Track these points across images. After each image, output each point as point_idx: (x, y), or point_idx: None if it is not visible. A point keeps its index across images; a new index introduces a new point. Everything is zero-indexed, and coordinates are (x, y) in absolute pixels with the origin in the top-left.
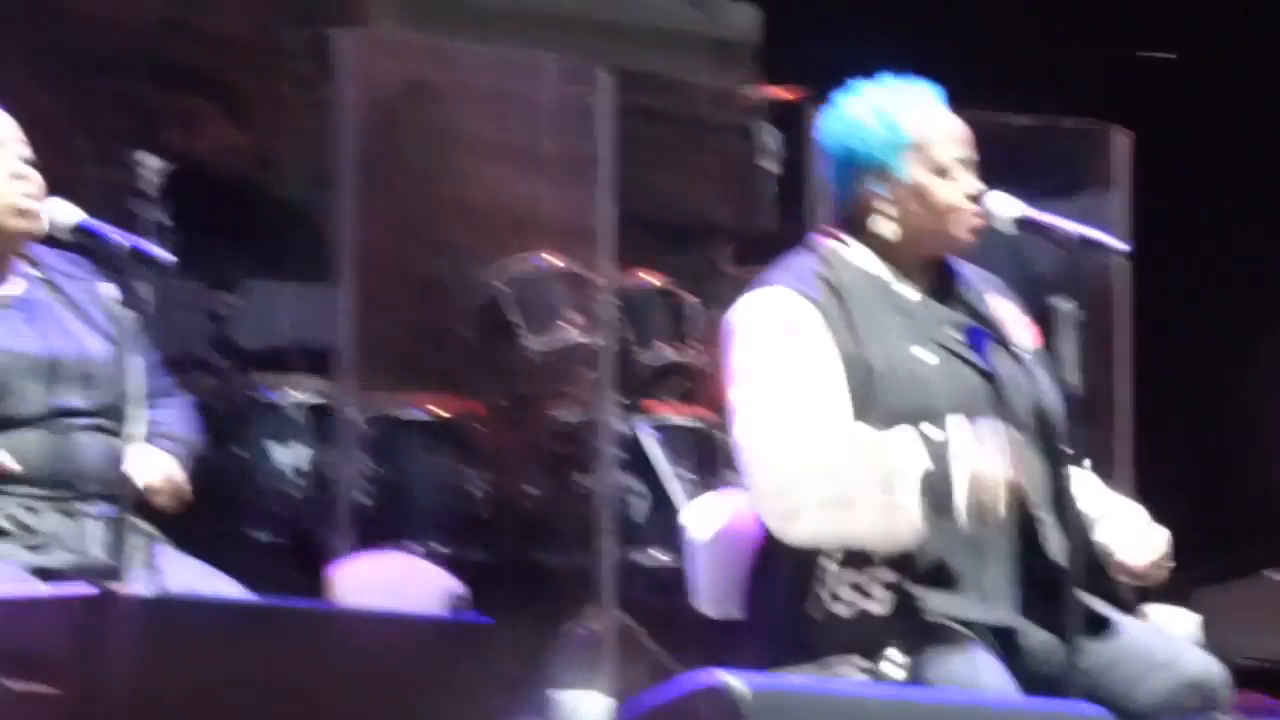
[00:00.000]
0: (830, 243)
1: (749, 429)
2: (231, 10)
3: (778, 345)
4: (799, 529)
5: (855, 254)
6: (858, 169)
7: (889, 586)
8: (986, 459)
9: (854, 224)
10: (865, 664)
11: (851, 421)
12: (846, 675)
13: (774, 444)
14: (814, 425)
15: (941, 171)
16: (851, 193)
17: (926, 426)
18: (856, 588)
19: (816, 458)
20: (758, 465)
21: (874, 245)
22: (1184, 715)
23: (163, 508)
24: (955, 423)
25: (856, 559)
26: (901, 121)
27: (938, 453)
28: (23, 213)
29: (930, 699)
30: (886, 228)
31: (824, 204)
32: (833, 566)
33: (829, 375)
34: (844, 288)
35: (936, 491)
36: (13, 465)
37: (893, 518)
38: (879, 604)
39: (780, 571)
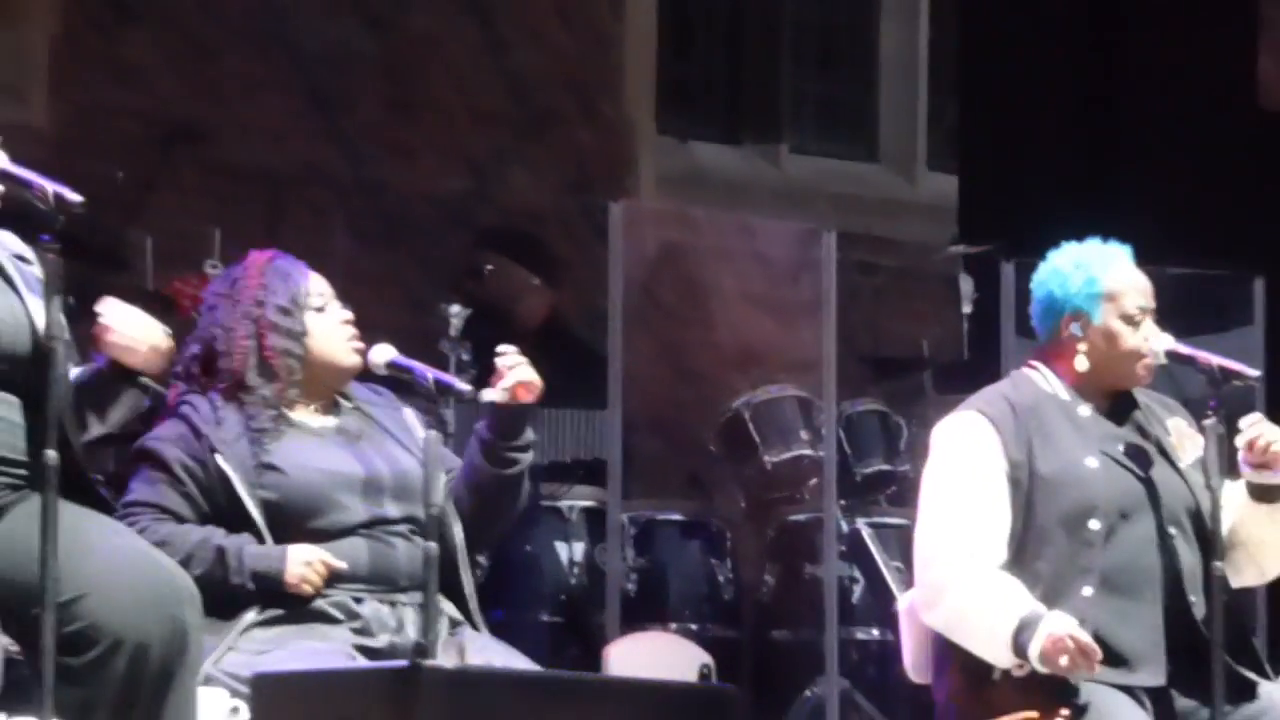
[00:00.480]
0: (1026, 371)
1: (922, 532)
2: (524, 186)
3: (955, 468)
4: (931, 618)
5: (1044, 380)
6: (1059, 312)
7: None
8: (1066, 628)
9: (1050, 356)
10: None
11: (1002, 536)
12: None
13: (934, 551)
14: (968, 544)
15: (1129, 320)
16: (1053, 331)
17: (1091, 521)
18: None
19: (960, 573)
20: (920, 562)
21: (1063, 374)
22: None
23: None
24: (1055, 617)
25: None
26: (1100, 275)
27: (1092, 540)
28: (356, 351)
29: None
30: (1080, 363)
31: (1008, 339)
32: None
33: (991, 494)
34: (1024, 407)
35: (1019, 641)
36: (341, 565)
37: (989, 648)
38: None
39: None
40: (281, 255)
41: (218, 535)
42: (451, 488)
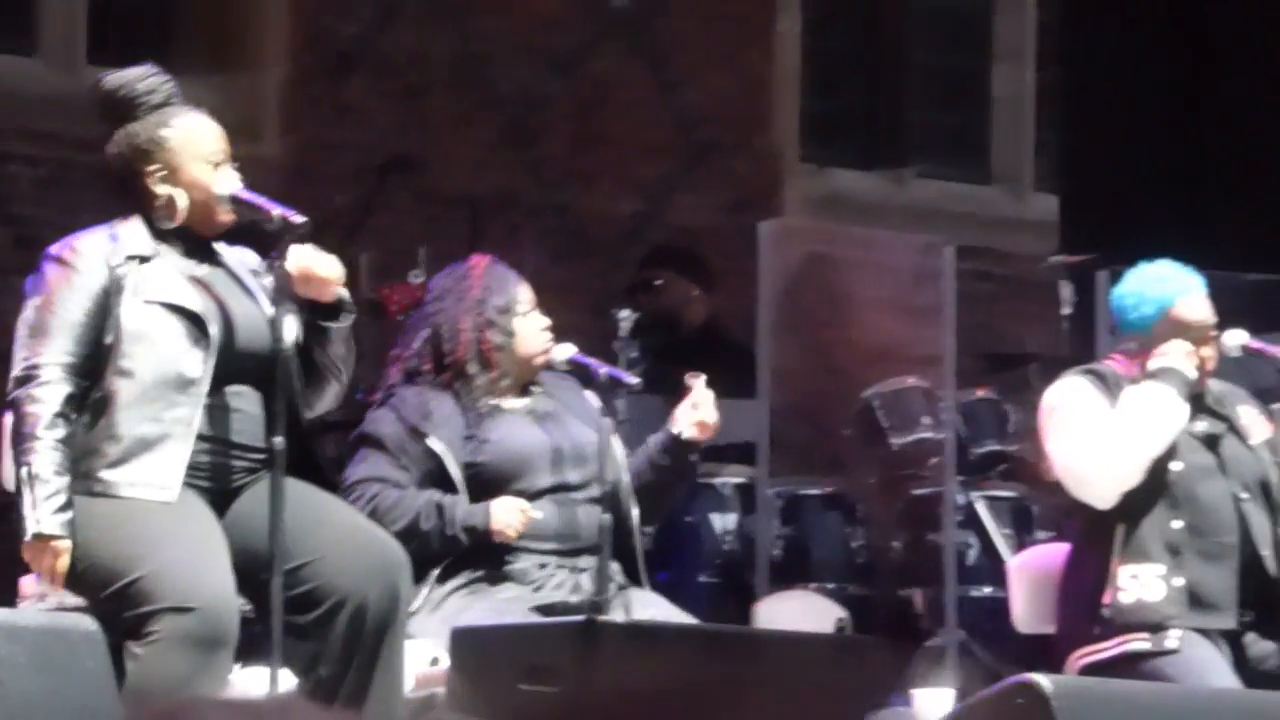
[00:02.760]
0: (1109, 362)
1: (1063, 451)
2: (687, 207)
3: (1072, 400)
4: (1113, 479)
5: (1122, 369)
6: (1130, 327)
7: (1160, 578)
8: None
9: (1126, 356)
10: (1150, 639)
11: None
12: (1137, 647)
13: (1080, 446)
14: (1099, 425)
15: (1180, 332)
16: (1126, 340)
17: (1173, 464)
18: (1135, 578)
19: (1105, 432)
20: (1073, 465)
21: (1136, 374)
22: None
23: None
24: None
25: (1134, 553)
26: (1171, 306)
27: (1174, 480)
28: (545, 353)
29: (1181, 693)
30: (1138, 373)
31: (1103, 338)
32: (1115, 562)
33: (1104, 409)
34: (1107, 379)
35: (1157, 376)
36: (537, 514)
37: (1165, 419)
38: (1152, 591)
39: (1083, 574)
40: (498, 262)
41: (437, 495)
42: (633, 473)
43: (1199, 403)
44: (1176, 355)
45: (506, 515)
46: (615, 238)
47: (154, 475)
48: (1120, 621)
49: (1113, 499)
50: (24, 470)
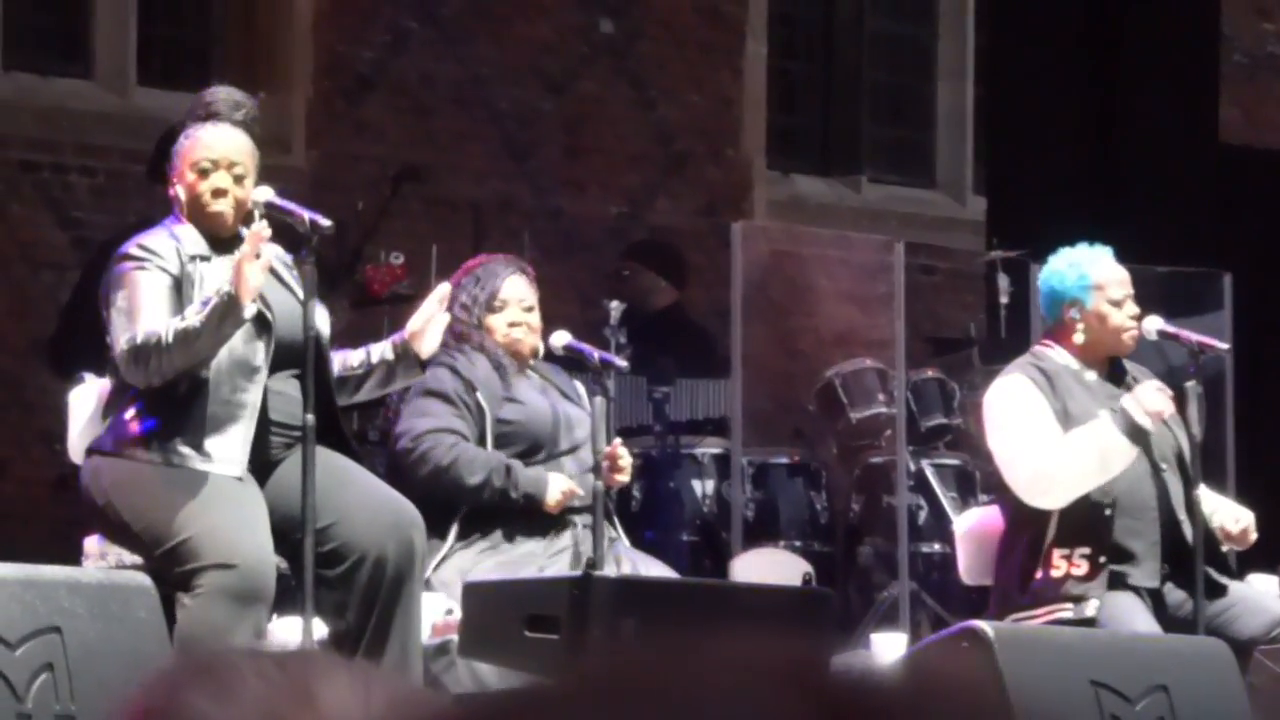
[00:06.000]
0: (1041, 348)
1: (1004, 453)
2: (667, 210)
3: (1013, 404)
4: (1049, 500)
5: (1056, 354)
6: (1060, 301)
7: (1085, 558)
8: (1149, 388)
9: (1056, 335)
10: (1073, 609)
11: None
12: (1062, 616)
13: (1017, 456)
14: (1040, 438)
15: (1114, 303)
16: (1057, 316)
17: None
18: (1066, 558)
19: (1045, 451)
20: (1012, 472)
21: (1068, 348)
22: (1273, 643)
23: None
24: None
25: (1065, 539)
26: (1089, 271)
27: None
28: (512, 340)
29: (1105, 636)
30: (1078, 338)
31: (1036, 323)
32: (1048, 545)
33: (1047, 419)
34: (1049, 373)
35: (1126, 423)
36: (581, 492)
37: (1108, 460)
38: (1078, 569)
39: (1017, 550)
40: (495, 260)
41: (505, 457)
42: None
43: (1121, 380)
44: (1144, 414)
45: (558, 495)
46: (602, 238)
47: (225, 452)
48: (1049, 594)
49: (1041, 506)
50: (177, 332)
